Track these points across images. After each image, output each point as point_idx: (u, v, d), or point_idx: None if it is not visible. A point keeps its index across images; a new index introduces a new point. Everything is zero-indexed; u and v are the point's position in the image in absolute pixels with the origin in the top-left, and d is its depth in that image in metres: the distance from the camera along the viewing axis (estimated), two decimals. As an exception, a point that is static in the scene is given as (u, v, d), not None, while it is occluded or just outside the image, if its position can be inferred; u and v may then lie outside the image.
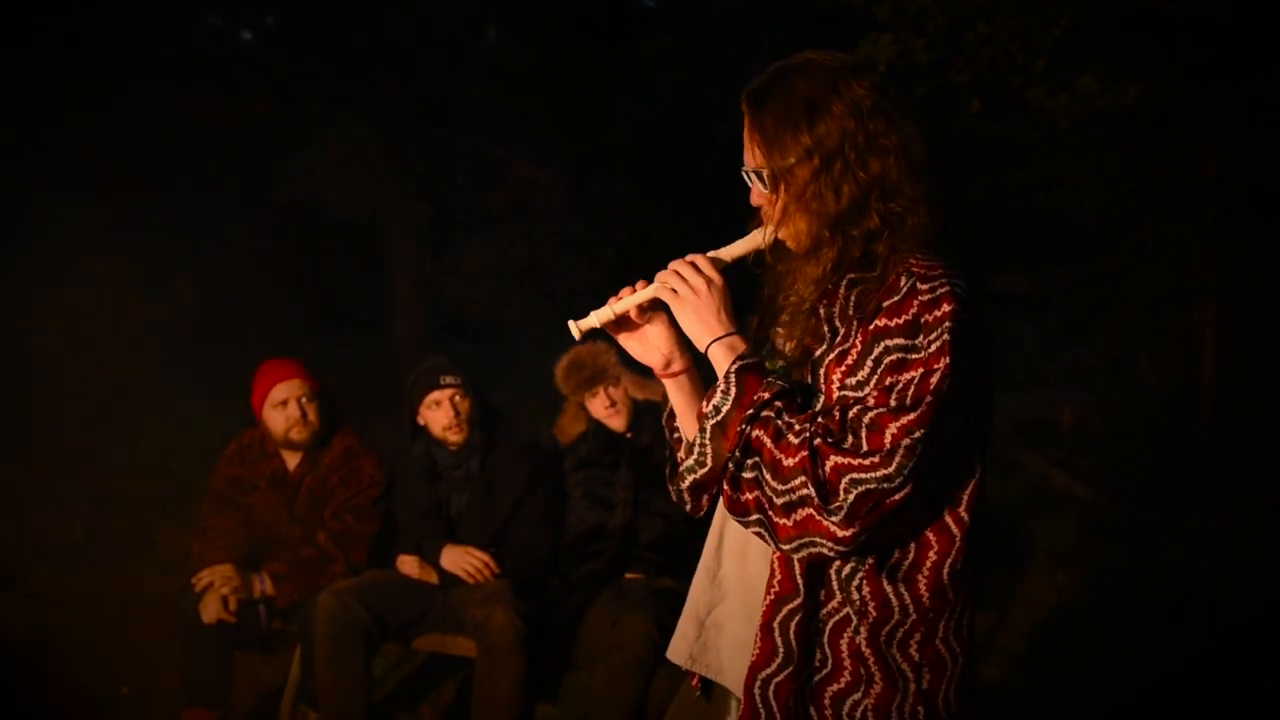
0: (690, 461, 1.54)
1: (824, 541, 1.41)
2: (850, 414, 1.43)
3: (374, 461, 3.55)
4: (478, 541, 3.38)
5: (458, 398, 3.42)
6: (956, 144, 6.96)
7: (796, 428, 1.45)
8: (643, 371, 3.60)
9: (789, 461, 1.43)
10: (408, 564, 3.40)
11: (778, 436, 1.45)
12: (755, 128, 1.56)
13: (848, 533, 1.39)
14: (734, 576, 1.66)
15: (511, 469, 3.43)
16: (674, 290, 1.57)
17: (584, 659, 3.19)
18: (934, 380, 1.40)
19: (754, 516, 1.46)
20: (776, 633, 1.52)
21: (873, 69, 1.61)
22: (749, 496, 1.46)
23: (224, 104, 7.71)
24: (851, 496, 1.39)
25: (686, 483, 1.56)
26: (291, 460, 3.57)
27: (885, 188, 1.52)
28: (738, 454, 1.47)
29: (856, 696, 1.49)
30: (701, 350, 1.58)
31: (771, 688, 1.52)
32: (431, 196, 9.16)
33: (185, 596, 3.43)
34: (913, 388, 1.40)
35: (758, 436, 1.46)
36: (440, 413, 3.41)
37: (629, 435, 3.53)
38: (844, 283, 1.53)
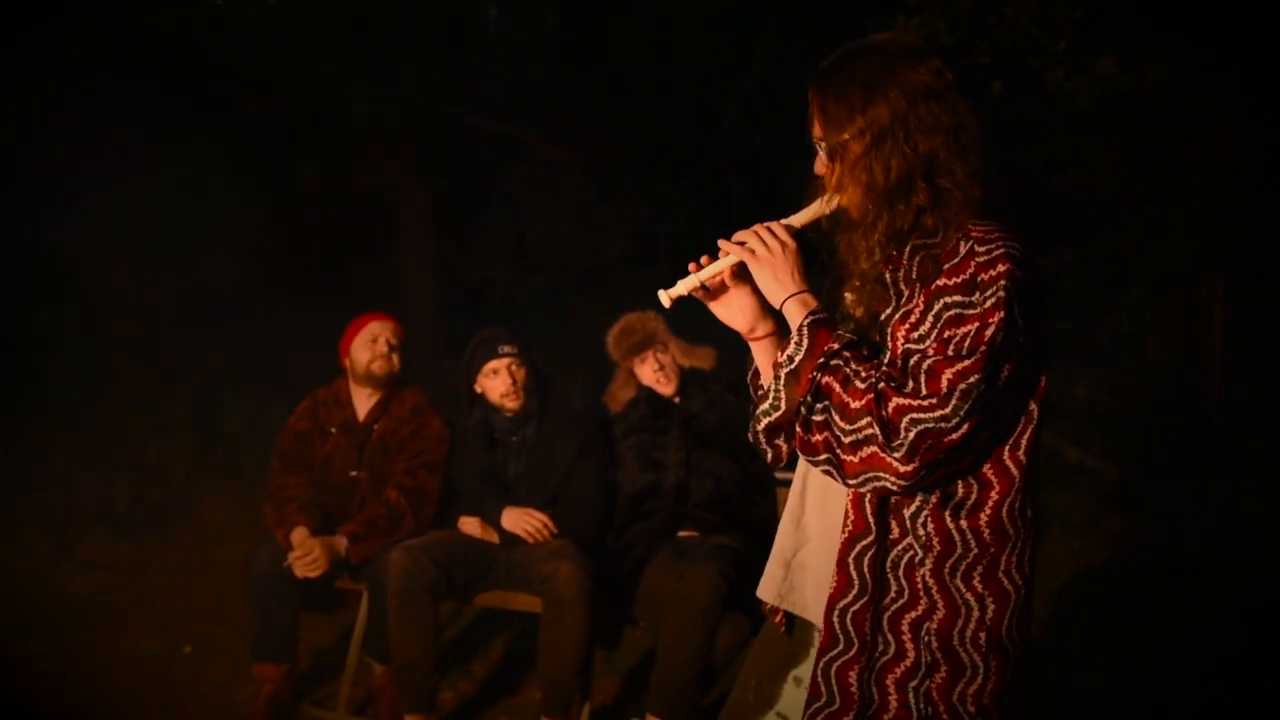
0: (765, 406, 1.69)
1: (887, 476, 1.56)
2: (911, 362, 1.58)
3: (440, 419, 3.71)
4: (535, 503, 3.52)
5: (514, 366, 3.56)
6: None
7: (863, 374, 1.59)
8: (691, 340, 3.77)
9: (856, 404, 1.57)
10: (469, 525, 3.54)
11: (846, 382, 1.59)
12: (818, 103, 1.70)
13: (909, 468, 1.54)
14: (816, 521, 1.81)
15: (566, 434, 3.57)
16: (752, 251, 1.72)
17: (644, 613, 3.35)
18: (989, 332, 1.53)
19: (823, 456, 1.61)
20: (851, 567, 1.67)
21: (937, 53, 1.69)
22: (819, 438, 1.61)
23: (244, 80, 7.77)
24: (912, 435, 1.53)
25: (762, 425, 1.71)
26: (363, 408, 3.73)
27: (934, 165, 1.64)
28: (809, 399, 1.61)
29: (929, 624, 1.64)
30: (777, 306, 1.72)
31: (849, 616, 1.67)
32: (449, 175, 9.25)
33: (255, 557, 3.56)
34: (969, 339, 1.54)
35: (827, 382, 1.60)
36: (498, 380, 3.56)
37: (677, 400, 3.68)
38: (908, 249, 1.67)
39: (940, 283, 1.59)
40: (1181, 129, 6.51)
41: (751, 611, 3.09)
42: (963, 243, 1.61)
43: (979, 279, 1.56)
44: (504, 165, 9.45)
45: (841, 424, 1.58)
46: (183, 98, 7.09)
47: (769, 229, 1.73)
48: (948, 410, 1.52)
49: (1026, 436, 1.64)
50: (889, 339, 1.65)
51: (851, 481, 1.60)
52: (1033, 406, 1.65)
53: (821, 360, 1.62)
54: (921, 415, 1.53)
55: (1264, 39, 5.81)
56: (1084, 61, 5.08)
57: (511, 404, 3.57)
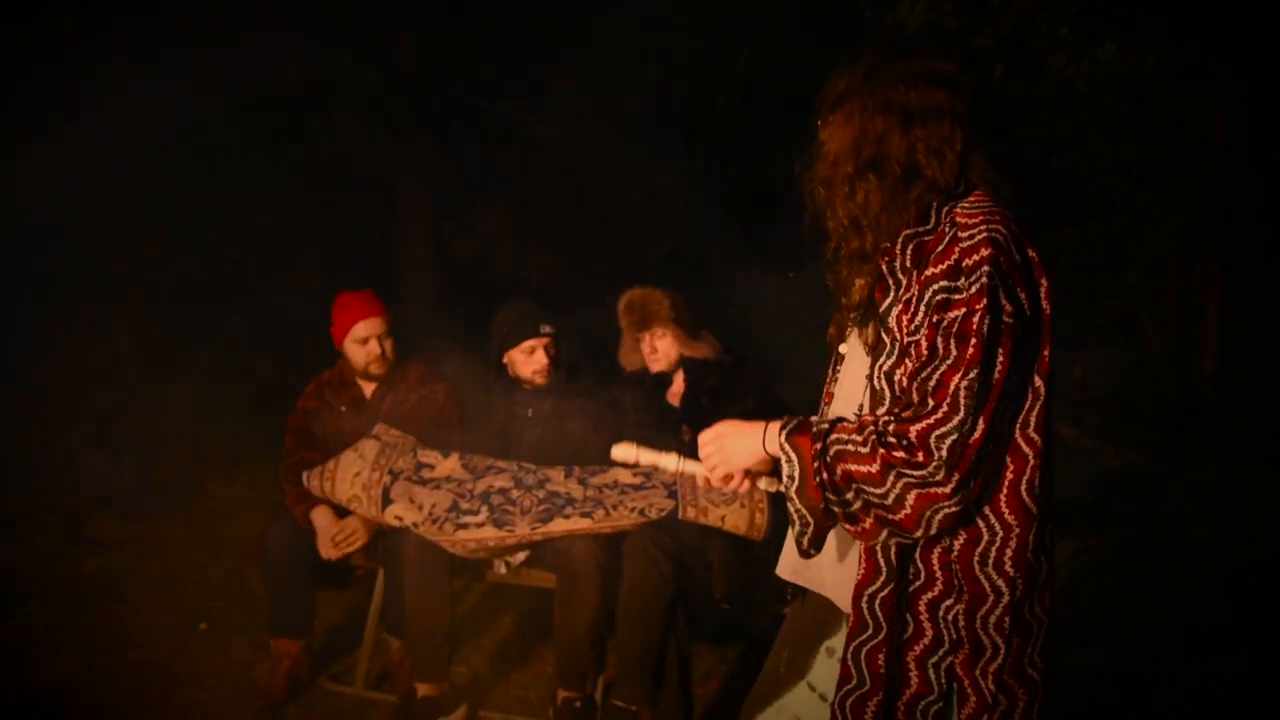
0: (799, 528, 1.73)
1: (940, 505, 1.60)
2: (918, 382, 1.62)
3: (445, 386, 3.76)
4: (549, 476, 3.57)
5: (550, 346, 3.65)
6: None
7: (859, 439, 1.63)
8: (691, 331, 3.80)
9: (873, 469, 1.61)
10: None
11: (855, 457, 1.63)
12: (819, 105, 1.81)
13: (952, 483, 1.58)
14: None
15: (581, 408, 3.64)
16: (714, 466, 1.84)
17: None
18: (975, 320, 1.58)
19: (883, 533, 1.65)
20: (879, 554, 1.71)
21: (931, 55, 1.77)
22: (869, 522, 1.64)
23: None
24: (944, 449, 1.57)
25: (804, 544, 1.74)
26: (369, 389, 3.79)
27: (890, 156, 1.70)
28: (830, 496, 1.65)
29: (949, 602, 1.69)
30: (765, 456, 1.79)
31: (877, 601, 1.72)
32: (449, 155, 9.25)
33: (271, 534, 3.62)
34: (957, 325, 1.59)
35: (841, 470, 1.64)
36: (534, 358, 3.63)
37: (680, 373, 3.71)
38: (900, 239, 1.73)
39: (929, 272, 1.65)
40: (1178, 113, 6.57)
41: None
42: (948, 228, 1.66)
43: (963, 264, 1.62)
44: (503, 144, 9.44)
45: (876, 493, 1.62)
46: (186, 75, 7.07)
47: (703, 452, 1.85)
48: (962, 413, 1.57)
49: (1036, 413, 1.67)
50: (893, 328, 1.70)
51: (917, 533, 1.63)
52: (1039, 383, 1.68)
53: (816, 463, 1.66)
54: (944, 429, 1.58)
55: (1260, 24, 5.86)
56: (1085, 46, 5.13)
57: (542, 380, 3.65)
